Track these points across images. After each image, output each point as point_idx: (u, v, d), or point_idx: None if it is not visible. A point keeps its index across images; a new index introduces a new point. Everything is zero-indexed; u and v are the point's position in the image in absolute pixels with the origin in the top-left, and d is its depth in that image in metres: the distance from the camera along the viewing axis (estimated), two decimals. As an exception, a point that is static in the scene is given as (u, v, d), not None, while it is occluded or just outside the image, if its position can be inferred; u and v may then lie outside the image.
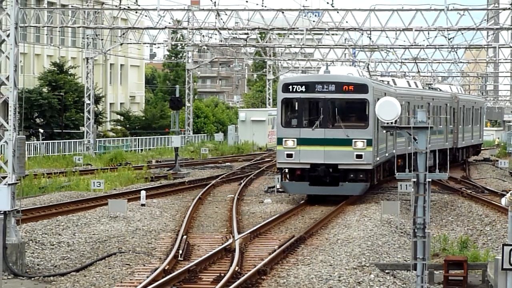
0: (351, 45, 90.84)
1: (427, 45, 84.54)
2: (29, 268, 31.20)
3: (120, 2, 76.45)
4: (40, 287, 27.88)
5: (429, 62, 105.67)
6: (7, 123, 31.63)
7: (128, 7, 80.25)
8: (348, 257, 32.21)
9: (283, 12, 73.09)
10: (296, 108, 47.73)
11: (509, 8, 79.86)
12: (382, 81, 62.23)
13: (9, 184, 31.09)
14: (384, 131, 49.85)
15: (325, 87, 46.38)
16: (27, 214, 39.09)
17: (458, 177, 66.53)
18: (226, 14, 74.17)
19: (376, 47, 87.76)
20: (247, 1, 69.86)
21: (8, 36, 32.27)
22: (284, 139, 46.79)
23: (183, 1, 70.71)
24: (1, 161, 31.51)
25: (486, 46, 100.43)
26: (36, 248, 34.51)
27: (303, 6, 72.62)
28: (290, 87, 47.16)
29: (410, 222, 25.35)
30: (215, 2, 64.66)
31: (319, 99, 46.79)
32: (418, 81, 69.82)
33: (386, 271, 31.09)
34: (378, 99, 43.72)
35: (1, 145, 31.56)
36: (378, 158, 49.31)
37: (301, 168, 46.62)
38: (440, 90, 73.63)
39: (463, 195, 55.27)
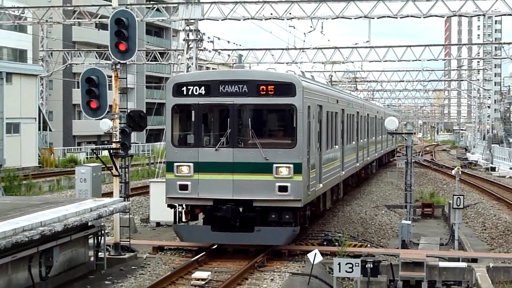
0: (371, 90, 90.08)
1: (412, 89, 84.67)
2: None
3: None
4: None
5: (412, 98, 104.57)
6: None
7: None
8: (370, 201, 32.26)
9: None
10: (193, 119, 18.96)
11: (456, 69, 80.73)
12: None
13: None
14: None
15: (234, 88, 18.24)
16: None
17: (428, 159, 65.54)
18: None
19: (385, 90, 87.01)
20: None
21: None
22: (175, 164, 18.40)
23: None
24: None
25: (443, 89, 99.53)
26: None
27: (346, 69, 71.71)
28: (185, 88, 18.58)
29: (403, 183, 25.11)
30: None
31: (226, 106, 18.43)
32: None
33: (390, 209, 30.94)
34: (320, 106, 21.53)
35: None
36: (321, 185, 21.14)
37: (200, 205, 18.75)
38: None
39: (431, 168, 54.55)
